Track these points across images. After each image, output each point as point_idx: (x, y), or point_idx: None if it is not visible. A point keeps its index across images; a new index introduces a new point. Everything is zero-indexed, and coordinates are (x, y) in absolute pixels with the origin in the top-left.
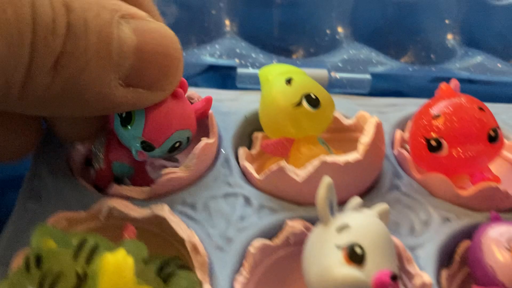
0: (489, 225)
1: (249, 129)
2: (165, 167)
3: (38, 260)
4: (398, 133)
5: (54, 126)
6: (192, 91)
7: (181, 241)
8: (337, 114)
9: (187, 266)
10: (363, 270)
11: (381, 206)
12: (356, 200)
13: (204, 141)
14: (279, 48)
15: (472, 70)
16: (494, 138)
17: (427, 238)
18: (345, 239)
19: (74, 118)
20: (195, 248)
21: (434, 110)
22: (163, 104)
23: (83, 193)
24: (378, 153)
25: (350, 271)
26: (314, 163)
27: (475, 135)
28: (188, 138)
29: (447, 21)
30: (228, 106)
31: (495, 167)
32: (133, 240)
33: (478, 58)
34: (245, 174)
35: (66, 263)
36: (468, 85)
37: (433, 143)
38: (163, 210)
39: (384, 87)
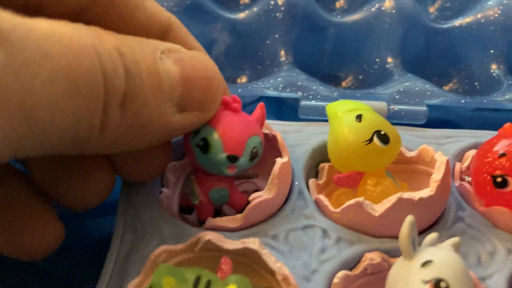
0: None
1: (316, 160)
2: (246, 192)
3: None
4: (458, 166)
5: (117, 164)
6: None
7: (270, 271)
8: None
9: None
10: None
11: (454, 240)
12: (433, 236)
13: (279, 161)
14: (328, 75)
15: None
16: None
17: (495, 269)
18: (430, 274)
19: (138, 155)
20: (286, 279)
21: (500, 149)
22: (228, 119)
23: (176, 224)
24: (447, 188)
25: None
26: (391, 199)
27: None
28: (260, 143)
29: (492, 51)
30: (295, 138)
31: None
32: (238, 275)
33: None
34: (319, 206)
35: None
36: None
37: (499, 179)
38: (255, 243)
39: (432, 116)
